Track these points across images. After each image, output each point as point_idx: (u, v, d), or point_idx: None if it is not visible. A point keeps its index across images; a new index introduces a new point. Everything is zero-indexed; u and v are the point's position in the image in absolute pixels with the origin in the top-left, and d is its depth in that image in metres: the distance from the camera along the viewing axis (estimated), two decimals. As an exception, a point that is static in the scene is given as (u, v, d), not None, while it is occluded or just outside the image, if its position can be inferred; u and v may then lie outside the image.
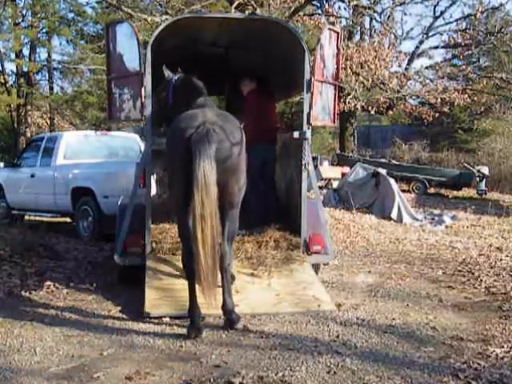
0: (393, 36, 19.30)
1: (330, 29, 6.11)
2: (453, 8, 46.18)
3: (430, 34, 22.82)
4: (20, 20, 23.38)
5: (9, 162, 12.41)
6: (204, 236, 3.98)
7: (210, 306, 4.22)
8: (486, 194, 18.11)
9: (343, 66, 14.89)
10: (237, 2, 13.16)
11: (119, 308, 5.11)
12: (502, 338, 4.37)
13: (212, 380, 3.51)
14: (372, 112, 19.72)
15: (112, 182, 8.91)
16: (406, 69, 20.43)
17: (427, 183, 18.62)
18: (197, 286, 4.35)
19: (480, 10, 18.56)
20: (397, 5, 19.86)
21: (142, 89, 5.38)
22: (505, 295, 5.74)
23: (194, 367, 3.73)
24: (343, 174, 16.17)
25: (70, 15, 24.07)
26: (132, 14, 13.98)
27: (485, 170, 18.27)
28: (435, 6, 22.51)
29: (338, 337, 4.34)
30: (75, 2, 23.23)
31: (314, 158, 15.72)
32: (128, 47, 5.54)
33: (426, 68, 21.42)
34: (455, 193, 19.04)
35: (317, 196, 6.42)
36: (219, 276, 4.27)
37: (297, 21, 15.95)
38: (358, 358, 3.87)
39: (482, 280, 6.46)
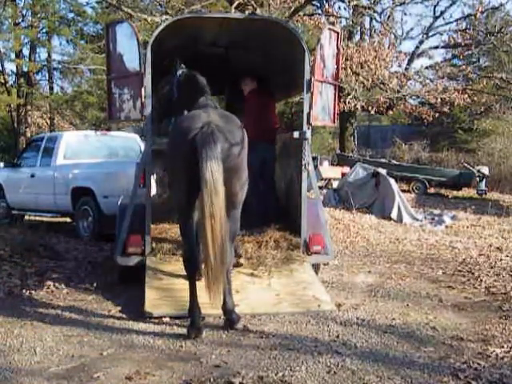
0: (393, 36, 19.31)
1: (330, 29, 6.11)
2: (453, 8, 46.21)
3: (430, 34, 22.84)
4: (20, 20, 23.39)
5: (9, 162, 12.40)
6: (214, 235, 4.03)
7: (214, 305, 4.25)
8: (485, 193, 18.11)
9: (343, 65, 14.89)
10: (237, 2, 13.16)
11: (119, 308, 5.11)
12: (502, 337, 4.37)
13: (212, 380, 3.51)
14: (372, 112, 19.72)
15: (112, 182, 8.91)
16: (406, 69, 20.43)
17: (427, 183, 18.62)
18: (201, 284, 4.38)
19: (480, 10, 18.56)
20: (397, 5, 19.86)
21: (142, 89, 5.38)
22: (505, 295, 5.74)
23: (194, 367, 3.73)
24: (343, 174, 16.17)
25: (70, 15, 24.11)
26: (132, 14, 13.98)
27: (485, 170, 18.27)
28: (435, 6, 22.54)
29: (338, 337, 4.34)
30: (75, 1, 23.24)
31: (314, 158, 15.72)
32: (128, 47, 5.54)
33: (426, 68, 21.44)
34: (455, 193, 19.05)
35: (317, 196, 6.42)
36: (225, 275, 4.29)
37: (297, 21, 15.95)
38: (357, 358, 3.87)
39: (482, 280, 6.46)
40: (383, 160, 20.36)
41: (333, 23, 16.22)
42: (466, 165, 19.67)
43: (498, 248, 8.76)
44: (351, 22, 19.19)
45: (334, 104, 6.05)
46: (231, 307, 4.50)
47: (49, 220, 10.82)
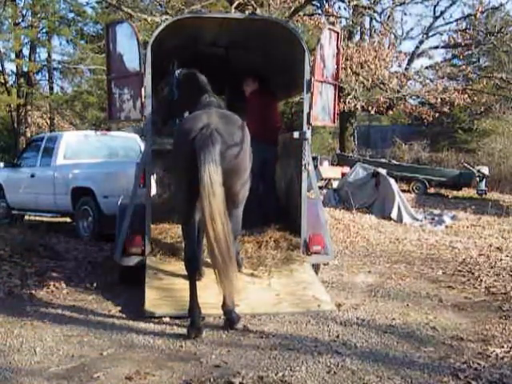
0: (393, 36, 19.31)
1: (329, 29, 6.11)
2: (453, 8, 46.20)
3: (430, 34, 22.83)
4: (20, 20, 23.39)
5: (9, 162, 12.40)
6: (216, 234, 4.08)
7: (214, 304, 4.32)
8: (485, 193, 18.11)
9: (343, 66, 14.89)
10: (237, 2, 13.16)
11: (119, 308, 5.11)
12: (502, 337, 4.37)
13: (212, 380, 3.51)
14: (372, 112, 19.72)
15: (112, 182, 8.91)
16: (406, 69, 20.43)
17: (427, 183, 18.62)
18: (201, 284, 4.50)
19: (480, 10, 18.56)
20: (397, 5, 19.86)
21: (142, 89, 5.38)
22: (505, 295, 5.74)
23: (194, 367, 3.73)
24: (343, 174, 16.17)
25: (70, 15, 24.11)
26: (132, 14, 13.98)
27: (485, 170, 18.27)
28: (435, 6, 22.53)
29: (338, 337, 4.34)
30: (75, 1, 23.25)
31: (314, 158, 15.72)
32: (128, 47, 5.54)
33: (426, 68, 21.44)
34: (455, 193, 19.05)
35: (317, 196, 6.42)
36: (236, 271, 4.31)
37: (297, 21, 15.95)
38: (358, 358, 3.87)
39: (482, 280, 6.46)
40: (383, 160, 20.37)
41: (333, 23, 16.22)
42: (466, 165, 19.67)
43: (498, 248, 8.76)
44: (351, 22, 19.19)
45: (334, 104, 6.05)
46: (231, 307, 4.51)
47: (49, 220, 10.81)
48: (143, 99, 5.39)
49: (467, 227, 11.32)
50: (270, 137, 6.70)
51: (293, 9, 14.23)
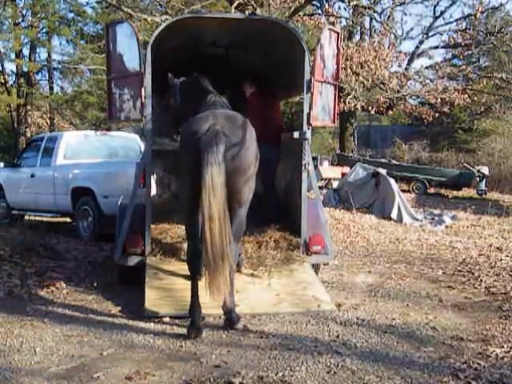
0: (393, 36, 19.32)
1: (330, 29, 6.10)
2: (453, 8, 46.20)
3: (430, 34, 22.83)
4: (20, 20, 23.39)
5: (9, 162, 12.40)
6: (212, 235, 4.09)
7: (213, 305, 4.29)
8: (485, 193, 18.11)
9: (343, 66, 14.90)
10: (237, 2, 13.17)
11: (119, 308, 5.11)
12: (502, 337, 4.37)
13: (212, 380, 3.51)
14: (372, 112, 19.73)
15: (112, 182, 8.91)
16: (406, 69, 20.43)
17: (427, 183, 18.62)
18: (201, 283, 4.40)
19: (480, 10, 18.56)
20: (397, 5, 19.86)
21: (142, 89, 5.38)
22: (505, 295, 5.75)
23: (194, 367, 3.73)
24: (343, 174, 16.17)
25: (70, 15, 24.11)
26: (132, 14, 13.99)
27: (485, 170, 18.27)
28: (435, 6, 22.53)
29: (338, 337, 4.34)
30: (75, 1, 23.24)
31: (314, 158, 15.72)
32: (128, 47, 5.54)
33: (426, 68, 21.44)
34: (455, 193, 19.05)
35: (317, 196, 6.42)
36: (227, 275, 4.28)
37: (297, 21, 15.96)
38: (358, 358, 3.87)
39: (482, 280, 6.46)
40: (383, 160, 20.36)
41: (333, 23, 16.23)
42: (466, 165, 19.66)
43: (498, 248, 8.76)
44: (351, 22, 19.20)
45: (334, 104, 6.04)
46: (231, 307, 4.50)
47: (49, 220, 10.81)
48: (143, 99, 5.39)
49: (467, 227, 11.32)
50: (273, 137, 6.69)
51: (293, 9, 14.23)
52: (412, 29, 48.60)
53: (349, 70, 15.88)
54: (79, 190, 9.29)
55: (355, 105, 17.11)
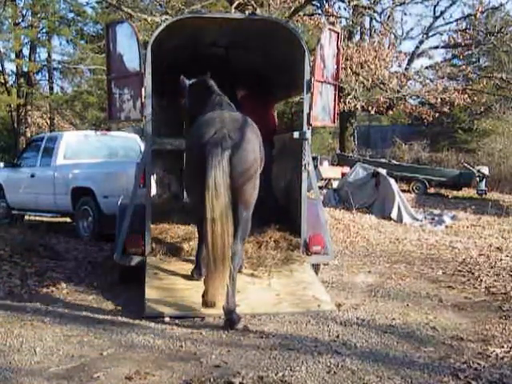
0: (393, 36, 19.32)
1: (330, 29, 6.10)
2: (453, 8, 46.25)
3: (430, 34, 22.85)
4: (20, 20, 23.40)
5: (9, 162, 12.40)
6: (214, 237, 4.19)
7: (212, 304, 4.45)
8: (485, 193, 18.10)
9: (343, 66, 14.89)
10: (237, 2, 13.17)
11: (119, 308, 5.11)
12: (502, 337, 4.37)
13: (212, 380, 3.51)
14: (372, 112, 19.73)
15: (112, 182, 8.91)
16: (406, 69, 20.44)
17: (427, 183, 18.62)
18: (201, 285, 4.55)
19: (480, 10, 18.56)
20: (397, 5, 19.87)
21: (142, 89, 5.38)
22: (505, 295, 5.75)
23: (194, 367, 3.73)
24: (343, 174, 16.17)
25: (70, 15, 24.13)
26: (132, 14, 13.99)
27: (485, 170, 18.27)
28: (435, 6, 22.53)
29: (338, 337, 4.34)
30: (75, 1, 23.25)
31: (314, 158, 15.71)
32: (128, 47, 5.54)
33: (426, 68, 21.44)
34: (455, 193, 19.05)
35: (317, 196, 6.42)
36: (226, 278, 4.35)
37: (297, 21, 15.96)
38: (358, 358, 3.87)
39: (482, 280, 6.46)
40: (383, 160, 20.36)
41: (333, 23, 16.23)
42: (466, 165, 19.66)
43: (498, 248, 8.76)
44: (351, 22, 19.20)
45: (334, 104, 6.05)
46: (232, 307, 4.50)
47: (49, 220, 10.81)
48: (143, 99, 5.40)
49: (467, 227, 11.32)
50: (265, 138, 6.70)
51: (293, 9, 14.24)
52: (412, 29, 48.71)
53: (349, 70, 15.88)
54: (79, 190, 9.29)
55: (355, 105, 17.11)
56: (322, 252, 5.81)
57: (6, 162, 13.55)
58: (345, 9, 19.48)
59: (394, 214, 11.81)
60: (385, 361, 3.84)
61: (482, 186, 18.09)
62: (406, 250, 8.72)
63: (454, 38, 21.55)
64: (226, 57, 7.18)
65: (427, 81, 19.96)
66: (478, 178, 18.14)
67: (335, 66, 6.00)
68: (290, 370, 3.67)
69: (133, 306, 5.07)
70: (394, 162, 20.56)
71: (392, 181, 12.69)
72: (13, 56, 24.01)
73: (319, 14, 18.15)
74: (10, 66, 30.17)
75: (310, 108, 5.71)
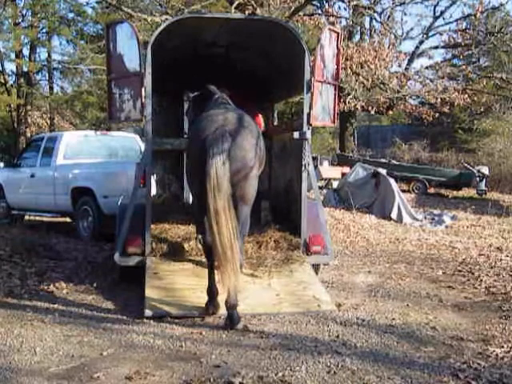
0: (393, 36, 19.28)
1: (329, 29, 6.10)
2: (453, 8, 46.13)
3: (430, 34, 22.79)
4: (20, 20, 23.37)
5: (9, 162, 12.39)
6: (219, 228, 4.26)
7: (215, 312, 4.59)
8: (485, 194, 18.09)
9: (343, 66, 14.89)
10: (237, 2, 13.16)
11: (119, 308, 5.12)
12: (502, 338, 4.37)
13: (212, 380, 3.51)
14: (372, 112, 19.72)
15: (112, 182, 8.92)
16: (406, 69, 20.42)
17: (427, 183, 18.60)
18: (203, 285, 4.68)
19: (480, 10, 18.51)
20: (397, 5, 19.84)
21: (142, 89, 5.39)
22: (505, 295, 5.75)
23: (194, 367, 3.73)
24: (343, 174, 16.16)
25: (70, 15, 24.09)
26: (132, 14, 13.98)
27: (485, 170, 18.25)
28: (435, 6, 22.47)
29: (337, 337, 4.34)
30: (75, 2, 23.21)
31: (314, 158, 15.71)
32: (128, 47, 5.54)
33: (426, 68, 21.41)
34: (455, 193, 19.03)
35: (317, 196, 6.42)
36: (237, 264, 4.42)
37: (297, 21, 15.96)
38: (358, 358, 3.87)
39: (482, 280, 6.46)
40: (383, 160, 20.33)
41: (333, 23, 16.23)
42: (466, 165, 19.65)
43: (498, 248, 8.76)
44: (351, 22, 19.17)
45: (334, 104, 6.05)
46: (235, 303, 4.52)
47: (49, 220, 10.81)
48: (143, 99, 5.40)
49: (467, 227, 11.32)
50: None
51: (293, 9, 14.23)
52: (412, 29, 48.34)
53: (349, 70, 15.87)
54: (79, 189, 9.29)
55: (355, 105, 17.10)
56: (322, 252, 5.81)
57: (6, 162, 13.54)
58: (345, 9, 19.47)
59: (394, 214, 11.81)
60: (385, 361, 3.84)
61: (482, 186, 18.07)
62: (406, 250, 8.72)
63: (453, 38, 21.53)
64: (226, 57, 7.18)
65: (427, 81, 19.94)
66: (477, 178, 18.12)
67: (335, 66, 6.00)
68: (290, 369, 3.67)
69: (133, 306, 5.07)
70: (394, 162, 20.53)
71: (392, 181, 12.69)
72: (13, 56, 24.02)
73: (319, 14, 18.15)
74: (9, 66, 30.24)
75: (310, 108, 5.71)
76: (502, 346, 4.14)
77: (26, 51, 24.72)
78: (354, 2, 16.97)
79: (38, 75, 25.93)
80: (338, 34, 6.01)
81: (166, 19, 9.86)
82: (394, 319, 4.84)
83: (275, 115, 8.74)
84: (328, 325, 4.62)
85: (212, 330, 4.47)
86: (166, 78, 6.26)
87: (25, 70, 24.01)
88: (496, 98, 24.42)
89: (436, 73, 21.07)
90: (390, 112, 21.82)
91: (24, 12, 23.53)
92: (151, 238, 5.64)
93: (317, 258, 5.85)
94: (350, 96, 16.69)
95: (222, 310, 4.67)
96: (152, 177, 6.26)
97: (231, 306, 4.50)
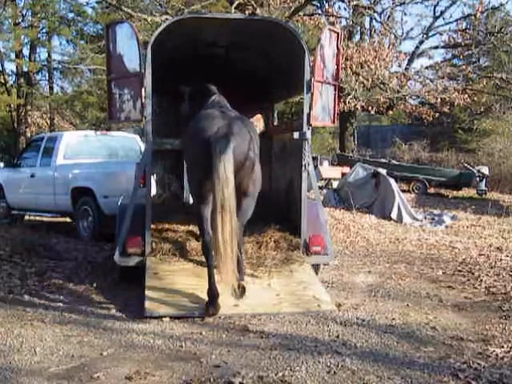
0: (393, 36, 19.28)
1: (329, 29, 6.10)
2: (453, 8, 46.13)
3: (430, 34, 22.80)
4: (20, 20, 23.36)
5: (9, 162, 12.38)
6: (223, 222, 4.40)
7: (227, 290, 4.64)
8: (485, 194, 18.09)
9: (343, 66, 14.89)
10: (237, 2, 13.17)
11: (119, 308, 5.11)
12: (502, 338, 4.37)
13: (212, 380, 3.51)
14: (372, 112, 19.72)
15: (112, 182, 8.92)
16: (406, 69, 20.42)
17: (427, 183, 18.60)
18: (203, 285, 4.72)
19: (480, 9, 18.52)
20: (397, 5, 19.85)
21: (142, 89, 5.39)
22: (505, 295, 5.75)
23: (194, 367, 3.73)
24: (343, 174, 16.16)
25: (70, 15, 24.08)
26: (132, 14, 13.99)
27: (485, 170, 18.25)
28: (435, 6, 22.48)
29: (337, 337, 4.34)
30: (75, 2, 23.21)
31: (314, 158, 15.70)
32: (128, 48, 5.54)
33: (426, 68, 21.42)
34: (455, 193, 19.04)
35: (317, 196, 6.42)
36: (235, 262, 4.57)
37: (297, 21, 15.96)
38: (358, 358, 3.87)
39: (482, 280, 6.46)
40: (383, 160, 20.33)
41: (333, 23, 16.23)
42: (466, 165, 19.65)
43: (498, 248, 8.77)
44: (351, 22, 19.16)
45: (334, 104, 6.05)
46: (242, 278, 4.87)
47: (49, 220, 10.81)
48: (143, 100, 5.40)
49: (467, 227, 11.32)
50: None
51: (293, 9, 14.24)
52: (412, 29, 48.37)
53: (349, 70, 15.87)
54: (79, 189, 9.29)
55: (355, 105, 17.11)
56: (322, 252, 5.81)
57: (6, 162, 13.54)
58: (345, 9, 19.46)
59: (394, 214, 11.81)
60: (385, 361, 3.84)
61: (482, 186, 18.07)
62: (406, 250, 8.72)
63: (453, 38, 21.54)
64: (226, 57, 7.18)
65: (427, 81, 19.94)
66: (477, 178, 18.12)
67: (335, 66, 6.00)
68: (290, 369, 3.67)
69: (133, 306, 5.07)
70: (394, 162, 20.53)
71: (392, 181, 12.69)
72: (13, 56, 24.01)
73: (319, 14, 18.14)
74: (10, 66, 30.26)
75: (310, 108, 5.71)
76: (502, 346, 4.14)
77: (26, 51, 24.73)
78: (354, 2, 16.97)
79: (38, 75, 25.94)
80: (337, 34, 6.02)
81: (166, 19, 9.87)
82: (394, 319, 4.84)
83: (275, 115, 8.74)
84: (328, 325, 4.62)
85: (212, 330, 4.47)
86: (165, 77, 6.26)
87: (25, 70, 24.00)
88: (496, 98, 24.42)
89: (436, 73, 21.08)
90: (390, 112, 21.83)
91: (24, 12, 23.54)
92: (151, 238, 5.64)
93: (317, 258, 5.85)
94: (350, 96, 16.69)
95: (222, 311, 4.67)
96: (152, 177, 6.26)
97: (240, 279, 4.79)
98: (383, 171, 13.32)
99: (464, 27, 21.85)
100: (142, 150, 7.32)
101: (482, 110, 26.01)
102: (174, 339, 4.26)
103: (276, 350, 4.02)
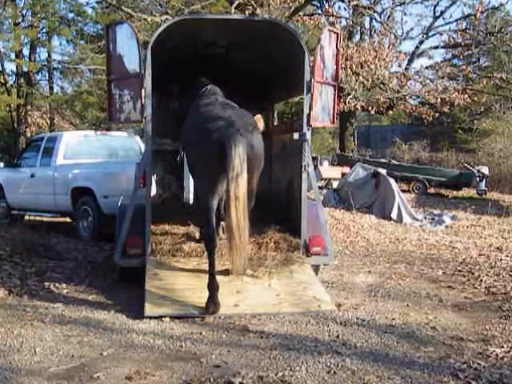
0: (393, 36, 19.26)
1: (329, 29, 6.11)
2: (453, 8, 46.14)
3: (430, 34, 22.77)
4: (20, 20, 23.35)
5: (9, 162, 12.38)
6: (237, 212, 4.48)
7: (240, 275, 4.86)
8: (485, 194, 18.09)
9: (343, 66, 14.89)
10: (237, 2, 13.15)
11: (119, 308, 5.11)
12: (502, 337, 4.37)
13: (212, 380, 3.51)
14: (372, 112, 19.72)
15: (112, 182, 8.92)
16: (406, 69, 20.41)
17: (427, 183, 18.60)
18: (203, 284, 4.78)
19: (480, 9, 18.51)
20: (397, 5, 19.83)
21: (142, 90, 5.38)
22: (505, 295, 5.75)
23: (194, 367, 3.74)
24: (343, 174, 16.16)
25: (70, 15, 24.08)
26: (132, 14, 13.98)
27: (485, 170, 18.25)
28: (435, 6, 22.46)
29: (338, 337, 4.34)
30: (75, 2, 23.21)
31: (314, 158, 15.71)
32: (128, 48, 5.54)
33: (426, 68, 21.40)
34: (455, 193, 19.04)
35: (317, 197, 6.42)
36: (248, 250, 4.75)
37: (297, 21, 15.96)
38: (358, 358, 3.87)
39: (482, 280, 6.47)
40: (383, 160, 20.33)
41: (333, 23, 16.23)
42: (466, 165, 19.65)
43: (498, 248, 8.77)
44: (351, 22, 19.15)
45: (334, 104, 6.05)
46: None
47: (49, 220, 10.81)
48: (143, 100, 5.39)
49: (467, 227, 11.32)
50: None
51: (293, 9, 14.23)
52: (412, 29, 48.39)
53: (349, 70, 15.86)
54: (79, 189, 9.29)
55: (355, 105, 17.10)
56: (322, 253, 5.81)
57: (6, 161, 13.54)
58: (345, 9, 19.43)
59: (394, 214, 11.81)
60: (385, 361, 3.85)
61: (482, 186, 18.07)
62: (406, 250, 8.72)
63: (453, 38, 21.52)
64: (226, 57, 7.18)
65: (427, 81, 19.92)
66: (477, 178, 18.12)
67: (335, 67, 6.00)
68: (290, 369, 3.67)
69: (133, 306, 5.07)
70: (394, 162, 20.53)
71: (392, 181, 12.69)
72: (13, 56, 24.01)
73: (319, 14, 18.13)
74: (10, 66, 30.24)
75: (310, 109, 5.71)
76: (502, 346, 4.14)
77: (26, 51, 24.72)
78: (354, 2, 16.96)
79: (38, 75, 25.94)
80: (337, 34, 6.02)
81: (166, 19, 9.87)
82: (394, 319, 4.84)
83: (275, 115, 8.74)
84: (328, 325, 4.62)
85: (212, 330, 4.47)
86: (165, 77, 6.26)
87: (25, 70, 24.00)
88: (496, 98, 24.41)
89: (436, 73, 21.07)
90: (390, 112, 21.82)
91: (24, 12, 23.54)
92: (151, 239, 5.64)
93: (317, 258, 5.85)
94: (350, 96, 16.68)
95: (222, 311, 4.67)
96: (152, 177, 6.25)
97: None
98: (383, 171, 13.31)
99: (464, 27, 21.84)
100: (142, 150, 7.32)
101: (481, 109, 26.00)
102: (174, 339, 4.27)
103: (276, 350, 4.02)
